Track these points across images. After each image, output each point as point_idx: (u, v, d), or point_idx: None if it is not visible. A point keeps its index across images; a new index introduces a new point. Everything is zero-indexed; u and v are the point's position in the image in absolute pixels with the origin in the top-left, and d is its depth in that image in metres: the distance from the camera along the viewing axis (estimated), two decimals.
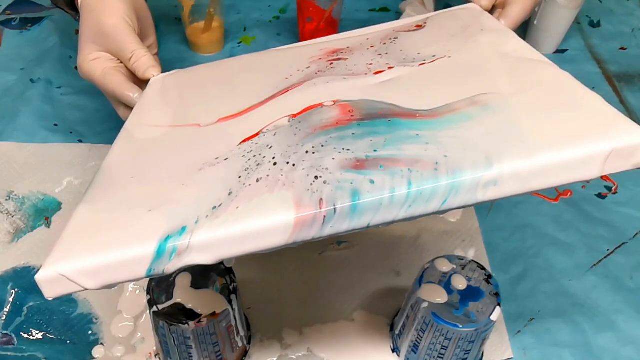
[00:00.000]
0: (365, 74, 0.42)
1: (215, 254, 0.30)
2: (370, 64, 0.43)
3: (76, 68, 0.72)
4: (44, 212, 0.58)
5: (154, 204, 0.33)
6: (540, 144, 0.30)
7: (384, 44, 0.46)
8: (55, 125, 0.66)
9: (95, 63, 0.51)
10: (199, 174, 0.35)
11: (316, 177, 0.32)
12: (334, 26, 0.75)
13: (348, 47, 0.48)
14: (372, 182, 0.31)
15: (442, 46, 0.44)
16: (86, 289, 0.31)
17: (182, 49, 0.77)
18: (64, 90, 0.70)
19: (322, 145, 0.34)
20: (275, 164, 0.34)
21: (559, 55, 0.78)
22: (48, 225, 0.57)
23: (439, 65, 0.41)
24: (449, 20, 0.49)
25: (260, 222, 0.30)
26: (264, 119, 0.39)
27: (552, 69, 0.38)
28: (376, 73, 0.41)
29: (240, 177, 0.34)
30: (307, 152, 0.34)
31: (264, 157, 0.35)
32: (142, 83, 0.51)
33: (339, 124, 0.36)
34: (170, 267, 0.30)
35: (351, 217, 0.30)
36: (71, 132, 0.65)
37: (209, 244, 0.30)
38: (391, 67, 0.42)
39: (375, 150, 0.33)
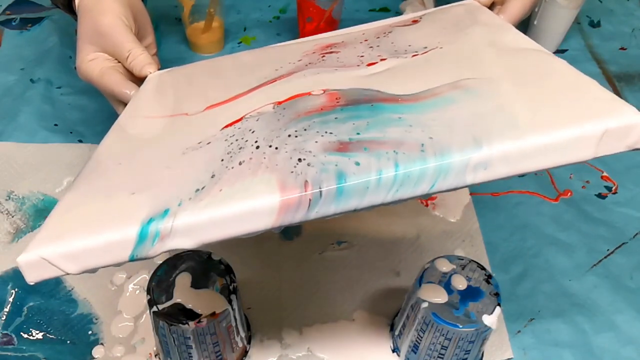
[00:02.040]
0: (358, 65, 0.41)
1: (198, 237, 0.29)
2: (362, 56, 0.42)
3: (76, 68, 0.72)
4: (44, 212, 0.58)
5: (138, 187, 0.33)
6: (531, 124, 0.29)
7: (378, 37, 0.46)
8: (55, 125, 0.66)
9: (93, 63, 0.51)
10: (182, 157, 0.35)
11: (299, 160, 0.31)
12: (334, 26, 0.75)
13: (342, 42, 0.47)
14: (357, 164, 0.30)
15: (434, 38, 0.43)
16: (68, 274, 0.30)
17: (182, 49, 0.77)
18: (64, 90, 0.70)
19: (305, 130, 0.33)
20: (257, 147, 0.33)
21: (559, 55, 0.77)
22: None
23: (430, 55, 0.40)
24: (444, 15, 0.49)
25: (244, 205, 0.29)
26: (249, 106, 0.38)
27: (546, 55, 0.37)
28: (369, 65, 0.41)
29: (222, 160, 0.33)
30: (289, 135, 0.33)
31: (246, 140, 0.34)
32: (139, 81, 0.52)
33: (323, 110, 0.35)
34: (153, 251, 0.30)
35: (337, 200, 0.29)
36: (71, 132, 0.65)
37: (192, 227, 0.29)
38: (383, 59, 0.41)
39: (358, 133, 0.32)
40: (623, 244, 0.58)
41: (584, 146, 0.29)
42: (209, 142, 0.35)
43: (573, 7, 0.72)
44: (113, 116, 0.67)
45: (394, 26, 0.49)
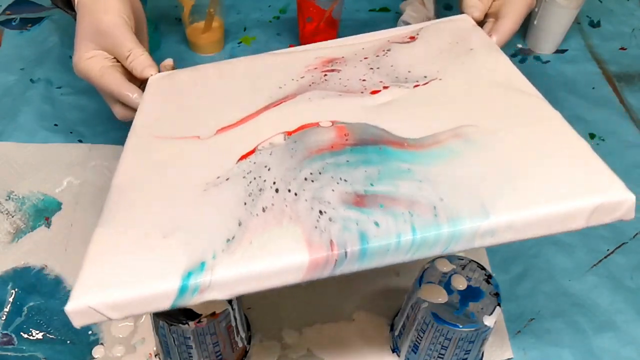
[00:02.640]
0: (362, 92, 0.43)
1: (232, 290, 0.32)
2: (364, 80, 0.45)
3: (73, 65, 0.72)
4: (44, 212, 0.58)
5: (168, 228, 0.35)
6: (533, 194, 0.32)
7: (377, 55, 0.48)
8: (55, 125, 0.66)
9: (92, 61, 0.51)
10: (205, 195, 0.37)
11: (320, 212, 0.33)
12: (334, 26, 0.75)
13: (343, 57, 0.49)
14: (376, 224, 0.32)
15: (432, 64, 0.45)
16: (111, 320, 0.32)
17: (182, 49, 0.77)
18: (64, 90, 0.70)
19: (320, 173, 0.36)
20: (277, 190, 0.36)
21: (559, 55, 0.78)
22: (48, 225, 0.57)
23: (431, 88, 0.43)
24: (439, 33, 0.50)
25: (276, 263, 0.31)
26: (260, 134, 0.40)
27: (541, 103, 0.39)
28: (373, 92, 0.43)
29: (245, 203, 0.35)
30: (305, 178, 0.36)
31: (264, 180, 0.36)
32: (138, 81, 0.52)
33: (334, 148, 0.38)
34: (192, 302, 0.32)
35: (361, 261, 0.32)
36: (71, 132, 0.65)
37: (228, 282, 0.31)
38: (386, 87, 0.43)
39: (371, 185, 0.35)
40: (623, 244, 0.58)
41: (578, 218, 0.32)
42: (228, 178, 0.37)
43: (573, 7, 0.72)
44: (112, 116, 0.67)
45: (392, 42, 0.50)
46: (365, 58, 0.48)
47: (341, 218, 0.33)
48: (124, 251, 0.34)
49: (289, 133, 0.40)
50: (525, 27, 0.79)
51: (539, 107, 0.38)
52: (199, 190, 0.37)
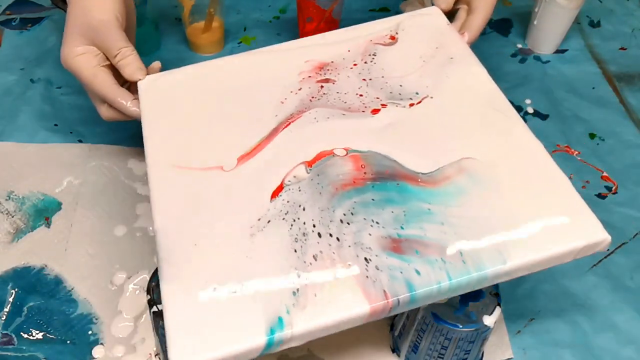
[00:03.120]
0: (362, 111, 0.48)
1: (307, 339, 0.37)
2: (361, 95, 0.49)
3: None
4: (44, 212, 0.58)
5: (234, 283, 0.38)
6: (537, 242, 0.39)
7: (365, 62, 0.51)
8: (55, 125, 0.66)
9: (84, 59, 0.51)
10: (254, 242, 0.40)
11: (366, 260, 0.38)
12: (334, 26, 0.75)
13: (332, 62, 0.51)
14: (417, 272, 0.38)
15: (420, 77, 0.50)
16: None
17: (182, 49, 0.77)
18: (64, 90, 0.70)
19: (352, 214, 0.41)
20: (319, 234, 0.40)
21: (559, 55, 0.78)
22: (48, 225, 0.57)
23: (426, 109, 0.47)
24: (417, 34, 0.54)
25: (342, 315, 0.36)
26: (280, 163, 0.44)
27: (523, 130, 0.45)
28: (373, 112, 0.47)
29: (295, 250, 0.39)
30: (341, 220, 0.40)
31: (304, 222, 0.41)
32: (125, 81, 0.52)
33: (356, 184, 0.42)
34: (275, 351, 0.36)
35: (409, 305, 0.38)
36: (71, 132, 0.65)
37: (304, 334, 0.36)
38: (384, 105, 0.48)
39: (402, 227, 0.40)
40: (623, 244, 0.58)
41: (569, 257, 0.40)
42: (269, 221, 0.41)
43: (573, 7, 0.72)
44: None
45: (374, 43, 0.53)
46: (355, 64, 0.51)
47: (386, 267, 0.38)
48: (202, 313, 0.37)
49: (309, 164, 0.44)
50: (525, 27, 0.79)
51: (523, 135, 0.45)
52: (246, 235, 0.40)
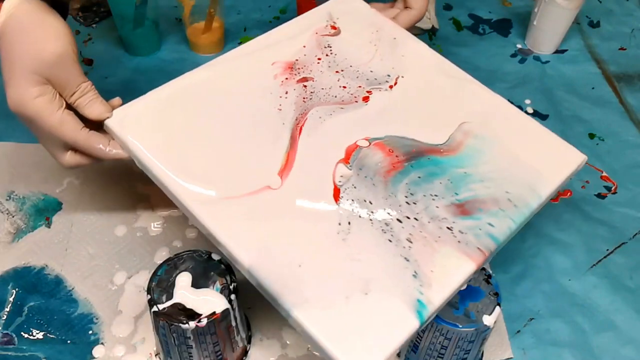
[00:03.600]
0: (356, 101, 0.51)
1: (442, 306, 0.41)
2: (345, 87, 0.52)
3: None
4: (45, 212, 0.58)
5: (358, 286, 0.40)
6: (548, 174, 0.48)
7: (327, 55, 0.54)
8: None
9: (44, 103, 0.44)
10: (349, 244, 0.42)
11: (449, 228, 0.43)
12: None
13: (297, 60, 0.53)
14: (491, 225, 0.44)
15: (381, 61, 0.54)
16: None
17: (182, 49, 0.77)
18: None
19: (412, 194, 0.45)
20: (399, 220, 0.43)
21: (559, 55, 0.78)
22: (48, 225, 0.57)
23: (403, 88, 0.52)
24: (354, 21, 0.57)
25: (460, 278, 0.41)
26: (320, 168, 0.46)
27: (479, 88, 0.53)
28: (364, 99, 0.51)
29: (390, 240, 0.42)
30: (407, 203, 0.44)
31: (379, 214, 0.43)
32: (82, 119, 0.47)
33: (396, 168, 0.46)
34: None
35: (496, 251, 0.44)
36: None
37: (442, 304, 0.40)
38: (369, 91, 0.52)
39: (456, 194, 0.45)
40: (622, 244, 0.58)
41: (566, 180, 0.49)
42: (349, 222, 0.43)
43: (573, 7, 0.72)
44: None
45: (321, 35, 0.56)
46: (319, 59, 0.54)
47: (467, 228, 0.43)
48: (350, 322, 0.38)
49: (345, 161, 0.46)
50: (525, 27, 0.79)
51: (483, 92, 0.53)
52: (339, 240, 0.42)
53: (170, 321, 0.42)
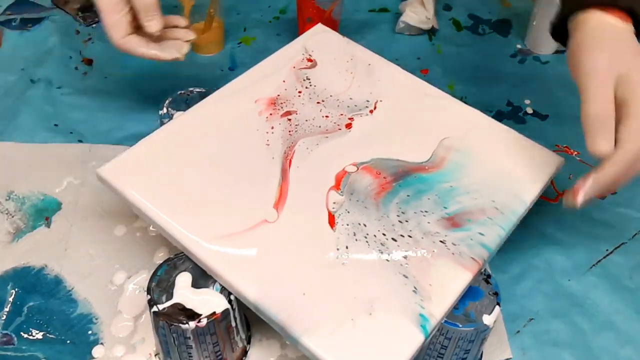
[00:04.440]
0: (339, 129, 0.53)
1: (444, 317, 0.42)
2: (327, 117, 0.54)
3: (76, 68, 0.73)
4: (44, 212, 0.58)
5: (364, 307, 0.41)
6: (529, 179, 0.50)
7: (307, 87, 0.56)
8: (55, 125, 0.66)
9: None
10: (350, 268, 0.43)
11: (442, 242, 0.45)
12: (333, 27, 0.75)
13: (278, 95, 0.55)
14: (482, 234, 0.46)
15: (359, 87, 0.57)
16: None
17: None
18: (64, 90, 0.70)
19: (403, 213, 0.47)
20: (394, 239, 0.45)
21: (559, 55, 0.78)
22: (48, 225, 0.57)
23: (385, 111, 0.55)
24: (328, 52, 0.60)
25: (459, 288, 0.43)
26: (313, 198, 0.47)
27: (455, 103, 0.56)
28: (347, 127, 0.53)
29: (388, 261, 0.44)
30: (400, 221, 0.46)
31: (374, 235, 0.45)
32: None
33: (386, 189, 0.48)
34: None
35: (489, 259, 0.46)
36: (71, 132, 0.65)
37: (443, 315, 0.42)
38: (351, 118, 0.54)
39: (445, 208, 0.47)
40: (622, 244, 0.58)
41: (547, 182, 0.51)
42: (347, 247, 0.44)
43: None
44: (113, 116, 0.67)
45: (299, 69, 0.58)
46: (300, 92, 0.56)
47: (459, 240, 0.45)
48: (360, 343, 0.39)
49: (336, 188, 0.48)
50: (525, 27, 0.79)
51: (460, 108, 0.56)
52: (338, 265, 0.43)
53: (170, 321, 0.42)
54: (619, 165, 0.42)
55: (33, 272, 0.53)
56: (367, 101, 0.55)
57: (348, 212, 0.46)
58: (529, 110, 0.71)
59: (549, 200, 0.62)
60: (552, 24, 0.50)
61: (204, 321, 0.42)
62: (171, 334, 0.42)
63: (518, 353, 0.50)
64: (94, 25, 0.78)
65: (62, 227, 0.57)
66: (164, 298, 0.43)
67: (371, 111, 0.55)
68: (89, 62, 0.73)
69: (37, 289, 0.52)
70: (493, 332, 0.50)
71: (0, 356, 0.48)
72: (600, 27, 0.45)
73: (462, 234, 0.46)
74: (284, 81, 0.56)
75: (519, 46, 0.79)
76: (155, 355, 0.49)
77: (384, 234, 0.45)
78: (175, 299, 0.43)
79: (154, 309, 0.42)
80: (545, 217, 0.60)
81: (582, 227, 0.59)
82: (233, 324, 0.44)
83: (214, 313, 0.42)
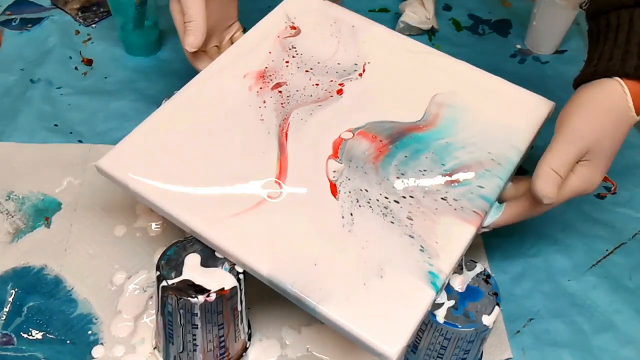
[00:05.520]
0: (331, 96, 0.53)
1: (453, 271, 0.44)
2: (317, 85, 0.53)
3: (76, 68, 0.73)
4: (44, 212, 0.58)
5: (374, 272, 0.42)
6: (522, 125, 0.51)
7: (293, 56, 0.56)
8: (55, 125, 0.66)
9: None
10: (356, 234, 0.44)
11: (443, 198, 0.46)
12: None
13: (266, 67, 0.54)
14: (481, 187, 0.47)
15: (345, 52, 0.56)
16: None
17: (182, 49, 0.76)
18: (64, 90, 0.70)
19: (403, 174, 0.47)
20: (397, 201, 0.46)
21: (559, 55, 0.78)
22: (48, 225, 0.57)
23: (372, 73, 0.55)
24: (311, 19, 0.59)
25: (463, 243, 0.44)
26: (313, 168, 0.47)
27: (439, 56, 0.56)
28: (338, 92, 0.53)
29: (393, 223, 0.44)
30: (401, 182, 0.47)
31: (377, 199, 0.46)
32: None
33: (383, 152, 0.48)
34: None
35: (491, 212, 0.47)
36: (71, 132, 0.65)
37: (451, 270, 0.43)
38: (341, 84, 0.54)
39: (443, 164, 0.48)
40: (622, 244, 0.58)
41: (539, 128, 0.52)
42: (351, 214, 0.45)
43: (572, 7, 0.72)
44: (113, 116, 0.67)
45: (284, 37, 0.57)
46: (287, 62, 0.55)
47: (460, 195, 0.46)
48: (374, 306, 0.40)
49: (334, 156, 0.48)
50: (525, 27, 0.79)
51: (444, 59, 0.56)
52: (345, 232, 0.44)
53: (179, 295, 0.42)
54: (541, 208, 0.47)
55: (33, 272, 0.53)
56: (355, 64, 0.55)
57: (349, 179, 0.47)
58: None
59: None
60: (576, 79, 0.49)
61: (213, 296, 0.42)
62: (179, 309, 0.42)
63: (518, 353, 0.50)
64: (94, 25, 0.78)
65: (62, 227, 0.57)
66: (173, 274, 0.43)
67: (360, 74, 0.54)
68: (89, 62, 0.73)
69: (37, 289, 0.52)
70: (493, 332, 0.50)
71: (0, 356, 0.48)
72: (600, 98, 0.46)
73: (462, 189, 0.46)
74: (270, 52, 0.56)
75: (518, 46, 0.79)
76: (154, 348, 0.48)
77: (386, 197, 0.46)
78: (184, 276, 0.43)
79: (163, 283, 0.42)
80: (545, 217, 0.60)
81: (582, 227, 0.59)
82: (239, 308, 0.45)
83: (222, 289, 0.42)
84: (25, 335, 0.50)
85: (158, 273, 0.43)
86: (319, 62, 0.55)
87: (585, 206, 0.61)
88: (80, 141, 0.64)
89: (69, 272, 0.53)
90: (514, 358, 0.50)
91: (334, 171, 0.47)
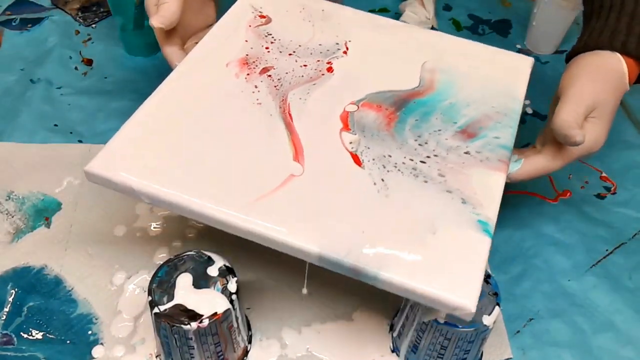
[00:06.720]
0: (322, 74, 0.53)
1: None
2: (305, 66, 0.53)
3: (76, 68, 0.73)
4: (44, 212, 0.58)
5: (427, 228, 0.42)
6: (513, 83, 0.54)
7: (273, 43, 0.55)
8: (55, 125, 0.66)
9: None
10: (395, 198, 0.44)
11: (467, 153, 0.47)
12: None
13: (247, 55, 0.53)
14: (497, 137, 0.48)
15: (323, 33, 0.57)
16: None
17: None
18: (64, 90, 0.70)
19: (419, 136, 0.48)
20: (422, 162, 0.46)
21: (559, 55, 0.78)
22: (48, 225, 0.57)
23: (355, 49, 0.55)
24: (279, 6, 0.59)
25: (499, 189, 0.45)
26: (329, 143, 0.47)
27: (421, 31, 0.58)
28: (329, 70, 0.53)
29: (427, 182, 0.45)
30: (420, 145, 0.47)
31: (403, 162, 0.46)
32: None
33: (393, 119, 0.49)
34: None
35: (513, 161, 0.49)
36: (71, 132, 0.65)
37: (496, 215, 0.43)
38: (329, 62, 0.54)
39: (455, 122, 0.49)
40: (622, 244, 0.58)
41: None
42: (382, 179, 0.45)
43: (572, 8, 0.72)
44: (113, 116, 0.67)
45: (256, 26, 0.56)
46: (267, 49, 0.55)
47: (481, 147, 0.47)
48: (435, 261, 0.40)
49: (346, 128, 0.48)
50: (525, 27, 0.79)
51: (419, 30, 0.59)
52: (383, 198, 0.43)
53: (171, 322, 0.42)
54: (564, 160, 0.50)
55: (33, 272, 0.53)
56: (337, 44, 0.56)
57: (368, 148, 0.47)
58: (529, 111, 0.71)
59: (549, 200, 0.62)
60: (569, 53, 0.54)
61: (206, 322, 0.42)
62: (173, 335, 0.42)
63: (518, 353, 0.50)
64: (94, 25, 0.78)
65: (62, 227, 0.57)
66: (165, 299, 0.43)
67: (345, 52, 0.55)
68: (89, 62, 0.73)
69: (37, 289, 0.52)
70: (493, 332, 0.50)
71: (0, 356, 0.48)
72: (596, 64, 0.50)
73: (480, 141, 0.48)
74: (246, 41, 0.55)
75: (519, 46, 0.79)
76: (157, 357, 0.49)
77: (411, 159, 0.46)
78: (176, 300, 0.43)
79: (155, 310, 0.42)
80: (545, 217, 0.60)
81: (582, 228, 0.59)
82: (234, 325, 0.44)
83: (215, 313, 0.42)
84: (25, 335, 0.50)
85: (150, 298, 0.43)
86: (300, 45, 0.55)
87: (585, 206, 0.61)
88: (80, 141, 0.64)
89: (69, 272, 0.53)
90: (514, 358, 0.50)
91: (351, 142, 0.47)
